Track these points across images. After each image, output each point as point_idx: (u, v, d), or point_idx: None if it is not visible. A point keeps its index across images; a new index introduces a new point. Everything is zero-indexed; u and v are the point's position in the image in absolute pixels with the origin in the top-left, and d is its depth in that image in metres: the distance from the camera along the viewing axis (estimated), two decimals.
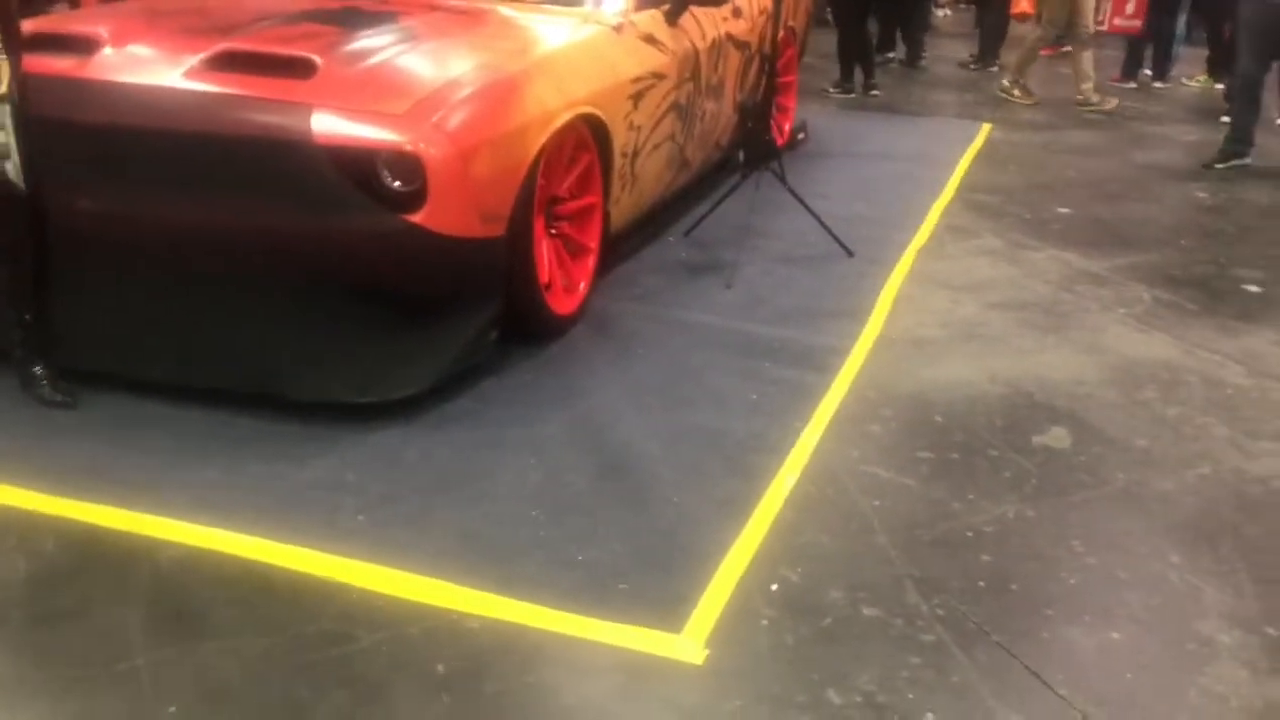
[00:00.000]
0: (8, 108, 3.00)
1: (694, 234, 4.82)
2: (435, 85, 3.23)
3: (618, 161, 4.04)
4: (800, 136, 6.73)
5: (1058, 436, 3.31)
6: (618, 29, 4.16)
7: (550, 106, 3.50)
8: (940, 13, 11.08)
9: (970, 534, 2.79)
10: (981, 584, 2.60)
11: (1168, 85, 9.46)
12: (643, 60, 4.21)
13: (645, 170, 4.35)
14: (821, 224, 4.74)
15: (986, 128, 7.49)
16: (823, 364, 3.69)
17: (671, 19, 4.52)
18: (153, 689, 2.18)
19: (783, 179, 4.72)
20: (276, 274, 3.11)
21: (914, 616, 2.47)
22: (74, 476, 2.82)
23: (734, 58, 5.20)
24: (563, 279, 3.81)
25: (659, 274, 4.45)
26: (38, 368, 3.20)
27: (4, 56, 3.00)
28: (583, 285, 3.91)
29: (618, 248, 4.42)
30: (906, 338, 3.96)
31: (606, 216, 4.06)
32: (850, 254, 4.72)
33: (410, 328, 3.19)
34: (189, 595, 2.45)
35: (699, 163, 5.13)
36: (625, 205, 4.27)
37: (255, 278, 3.12)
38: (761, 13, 5.60)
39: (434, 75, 3.31)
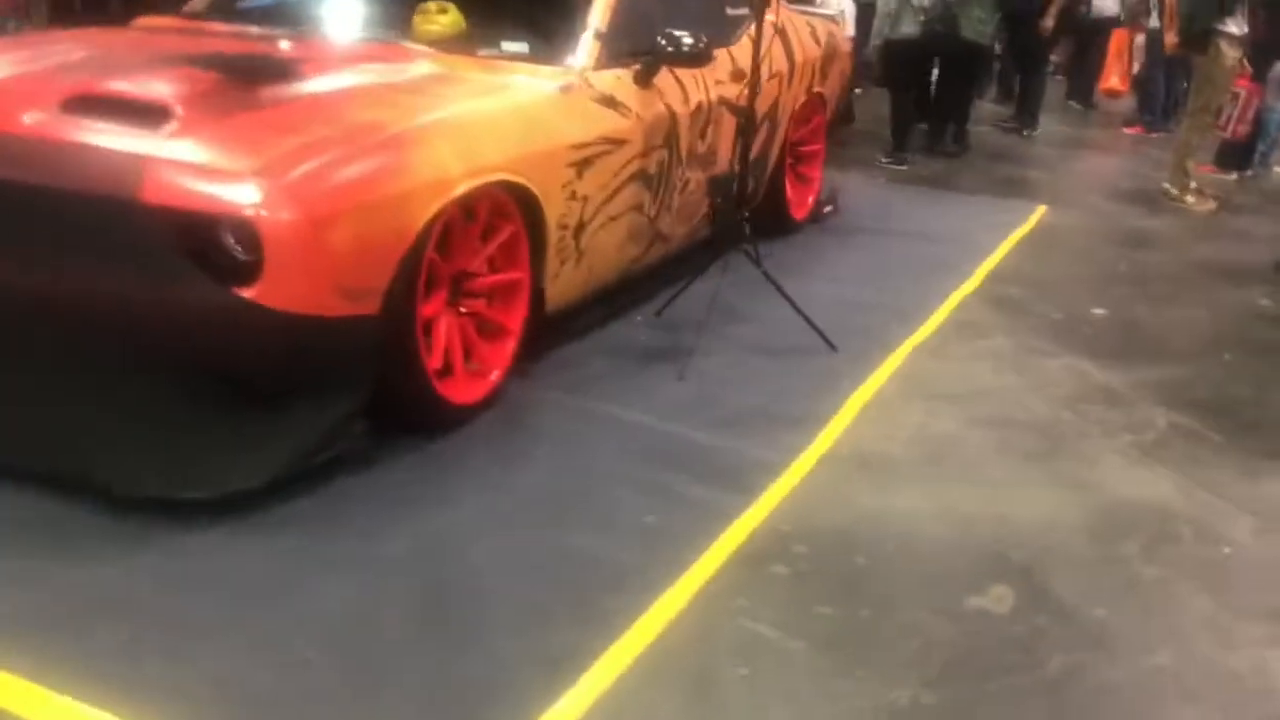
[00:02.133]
0: None
1: (665, 314, 4.38)
2: (298, 142, 2.86)
3: (554, 234, 3.63)
4: (827, 209, 6.25)
5: (998, 597, 2.76)
6: (565, 89, 3.76)
7: (449, 172, 3.11)
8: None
9: None
10: None
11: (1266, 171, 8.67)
12: (593, 124, 3.79)
13: (597, 244, 3.93)
14: (800, 313, 4.25)
15: (1041, 210, 6.89)
16: (748, 483, 3.19)
17: (643, 80, 4.11)
18: None
19: (756, 260, 4.25)
20: (101, 347, 2.78)
21: None
22: None
23: (730, 124, 4.76)
24: (471, 363, 3.40)
25: (606, 359, 4.00)
26: None
27: None
28: (496, 372, 3.49)
29: (565, 327, 4.00)
30: (856, 456, 3.44)
31: (539, 294, 3.66)
32: (833, 348, 4.22)
33: (245, 416, 2.82)
34: None
35: (681, 236, 4.69)
36: (571, 281, 3.85)
37: (79, 350, 2.79)
38: (774, 77, 5.17)
39: (303, 131, 2.94)
